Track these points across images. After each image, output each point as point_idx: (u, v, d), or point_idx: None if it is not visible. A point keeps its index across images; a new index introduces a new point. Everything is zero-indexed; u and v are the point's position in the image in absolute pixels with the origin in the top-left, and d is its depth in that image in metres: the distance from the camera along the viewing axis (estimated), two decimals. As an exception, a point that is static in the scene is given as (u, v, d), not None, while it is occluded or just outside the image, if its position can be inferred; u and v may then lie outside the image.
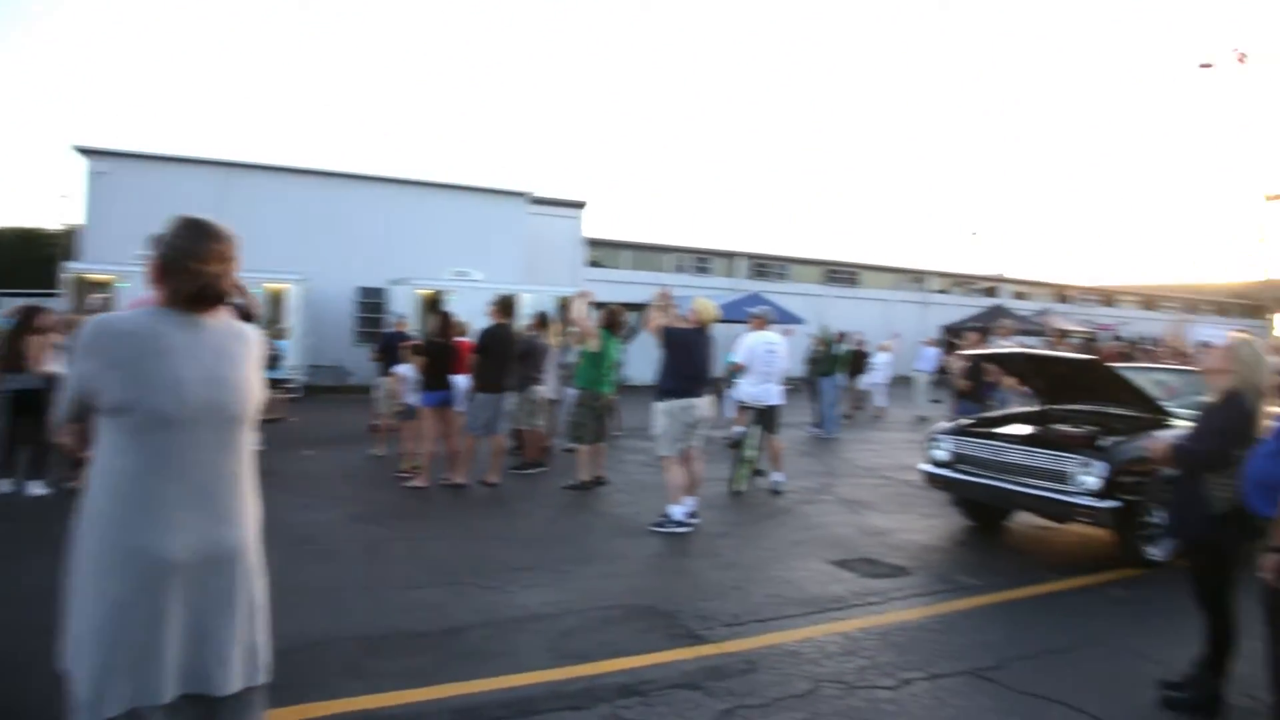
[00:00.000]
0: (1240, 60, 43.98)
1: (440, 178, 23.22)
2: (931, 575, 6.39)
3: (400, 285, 19.60)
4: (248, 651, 2.43)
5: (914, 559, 6.82)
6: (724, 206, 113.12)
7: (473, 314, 11.20)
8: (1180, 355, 12.93)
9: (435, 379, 8.98)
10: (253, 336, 2.55)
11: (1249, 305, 44.69)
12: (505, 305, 9.37)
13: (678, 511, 7.41)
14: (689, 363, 7.63)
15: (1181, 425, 6.39)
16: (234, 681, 2.38)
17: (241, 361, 2.46)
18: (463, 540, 7.00)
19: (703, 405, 7.61)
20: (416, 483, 8.84)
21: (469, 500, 8.52)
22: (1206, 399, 4.34)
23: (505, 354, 9.13)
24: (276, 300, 18.37)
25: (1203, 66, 44.30)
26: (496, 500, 8.57)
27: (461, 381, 9.27)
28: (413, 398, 9.44)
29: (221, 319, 2.46)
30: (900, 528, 7.88)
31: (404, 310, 16.66)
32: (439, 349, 9.09)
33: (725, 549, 6.98)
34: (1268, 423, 3.85)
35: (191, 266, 2.36)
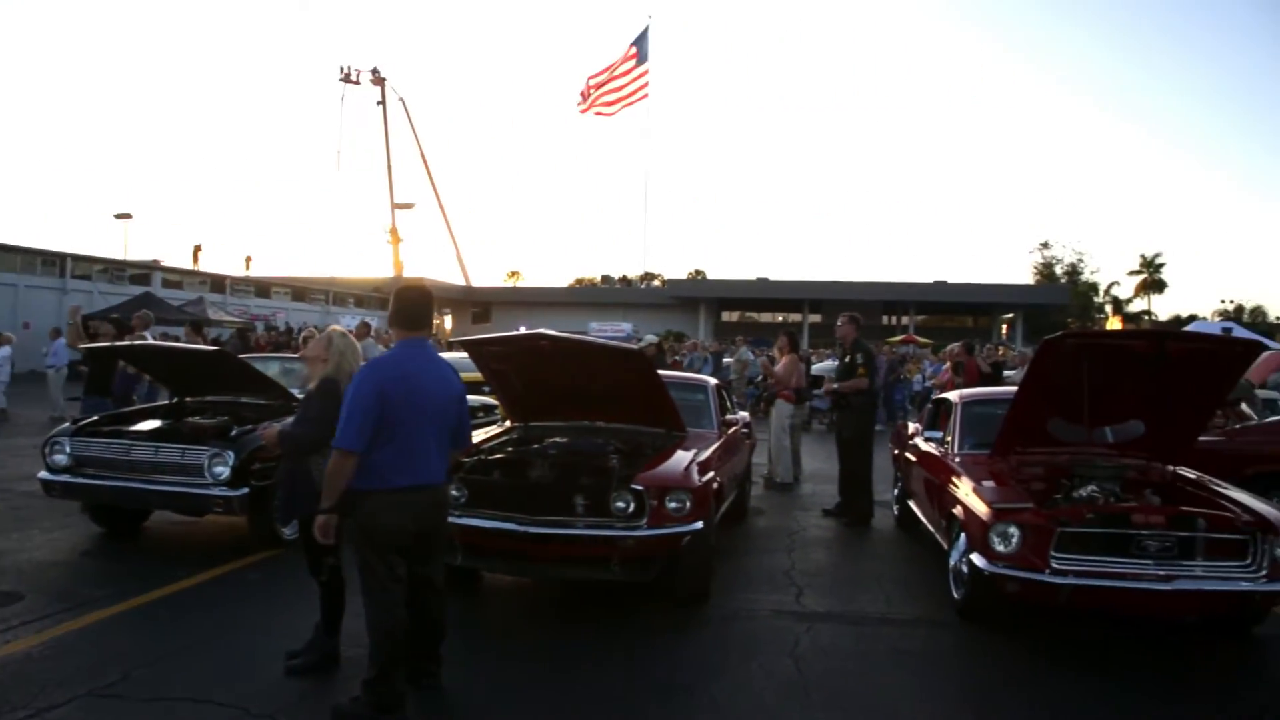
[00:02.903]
0: (376, 82, 49.61)
1: None
2: (50, 595, 5.74)
3: None
4: None
5: (30, 581, 6.04)
6: None
7: None
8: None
9: None
10: None
11: (383, 298, 50.31)
12: None
13: None
14: None
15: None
16: None
17: None
18: None
19: None
20: None
21: None
22: (310, 386, 4.72)
23: None
24: None
25: (343, 80, 48.84)
26: None
27: None
28: None
29: None
30: (17, 548, 6.91)
31: None
32: None
33: None
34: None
35: None
